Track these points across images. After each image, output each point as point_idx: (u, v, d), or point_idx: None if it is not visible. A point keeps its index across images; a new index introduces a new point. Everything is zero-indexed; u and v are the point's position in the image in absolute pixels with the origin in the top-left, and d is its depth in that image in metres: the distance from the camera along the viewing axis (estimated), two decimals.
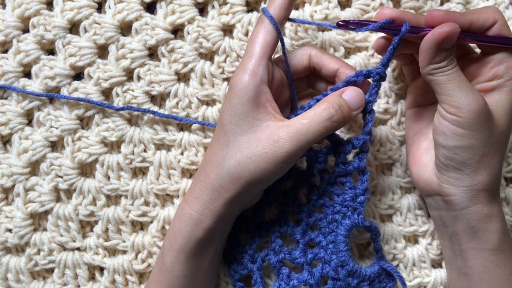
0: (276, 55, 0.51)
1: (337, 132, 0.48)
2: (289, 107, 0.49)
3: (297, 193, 0.50)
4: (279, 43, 0.45)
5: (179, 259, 0.45)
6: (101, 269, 0.54)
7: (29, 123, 0.53)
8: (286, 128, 0.41)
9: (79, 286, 0.53)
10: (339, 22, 0.44)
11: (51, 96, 0.52)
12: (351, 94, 0.44)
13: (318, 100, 0.45)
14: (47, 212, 0.53)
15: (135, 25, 0.52)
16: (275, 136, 0.41)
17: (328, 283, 0.47)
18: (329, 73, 0.47)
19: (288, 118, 0.45)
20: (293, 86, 0.48)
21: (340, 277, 0.46)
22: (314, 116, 0.42)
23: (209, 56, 0.53)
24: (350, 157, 0.48)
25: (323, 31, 0.53)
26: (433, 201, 0.48)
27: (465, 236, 0.46)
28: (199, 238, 0.44)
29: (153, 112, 0.52)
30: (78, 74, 0.53)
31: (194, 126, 0.53)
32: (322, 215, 0.49)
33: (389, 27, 0.43)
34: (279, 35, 0.44)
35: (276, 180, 0.45)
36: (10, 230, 0.53)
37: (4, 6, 0.53)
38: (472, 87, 0.43)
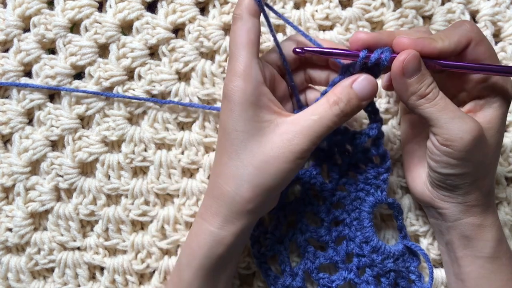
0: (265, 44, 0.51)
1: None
2: (287, 100, 0.48)
3: (319, 172, 0.50)
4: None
5: (198, 275, 0.43)
6: (102, 269, 0.54)
7: (30, 122, 0.53)
8: (299, 127, 0.40)
9: (79, 285, 0.53)
10: (296, 49, 0.43)
11: (106, 95, 0.52)
12: (362, 84, 0.41)
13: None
14: (47, 212, 0.53)
15: (136, 24, 0.52)
16: (288, 135, 0.40)
17: (353, 260, 0.47)
18: (320, 58, 0.45)
19: (294, 112, 0.45)
20: (291, 77, 0.46)
21: (364, 253, 0.46)
22: (324, 112, 0.41)
23: (210, 55, 0.53)
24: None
25: (324, 30, 0.53)
26: (428, 210, 0.49)
27: (460, 244, 0.46)
28: (220, 255, 0.43)
29: (188, 104, 0.51)
30: (79, 73, 0.53)
31: (195, 125, 0.53)
32: (345, 193, 0.49)
33: (347, 54, 0.41)
34: (272, 33, 0.43)
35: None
36: (10, 230, 0.52)
37: (5, 5, 0.53)
38: (464, 115, 0.41)
